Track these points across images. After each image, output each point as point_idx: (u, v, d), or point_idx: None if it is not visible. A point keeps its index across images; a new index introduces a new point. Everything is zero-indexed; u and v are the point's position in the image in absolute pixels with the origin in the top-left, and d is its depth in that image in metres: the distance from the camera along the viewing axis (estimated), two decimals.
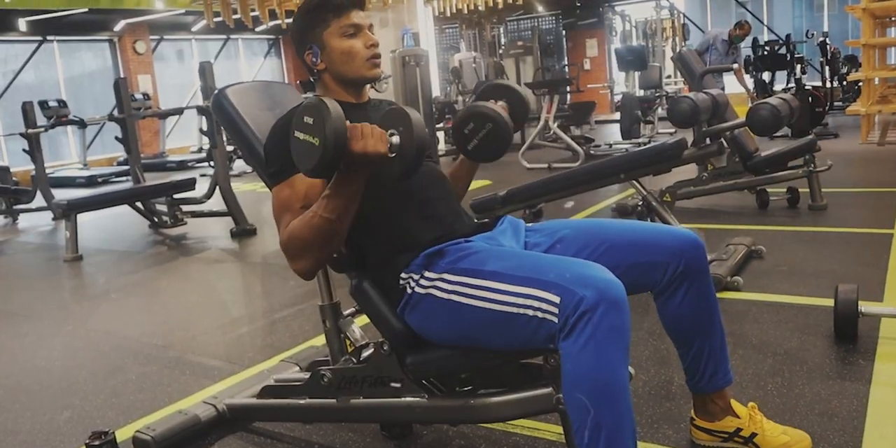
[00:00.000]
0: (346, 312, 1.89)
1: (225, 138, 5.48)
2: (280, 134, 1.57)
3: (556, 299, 1.25)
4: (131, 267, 4.58)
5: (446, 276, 1.44)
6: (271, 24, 10.19)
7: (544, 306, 1.27)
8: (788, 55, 12.46)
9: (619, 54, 9.63)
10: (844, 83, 11.17)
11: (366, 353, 1.83)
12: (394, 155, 1.38)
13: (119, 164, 11.21)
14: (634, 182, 3.23)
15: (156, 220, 5.65)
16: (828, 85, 11.37)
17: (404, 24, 8.61)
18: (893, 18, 9.08)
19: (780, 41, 13.04)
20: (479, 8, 11.76)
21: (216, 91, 1.75)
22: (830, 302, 2.66)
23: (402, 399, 1.64)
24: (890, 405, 1.88)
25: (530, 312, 1.29)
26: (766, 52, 12.52)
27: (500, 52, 11.99)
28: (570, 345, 1.23)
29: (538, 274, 1.31)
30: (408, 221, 1.57)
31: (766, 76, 11.00)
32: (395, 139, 1.38)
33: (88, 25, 12.02)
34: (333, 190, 1.41)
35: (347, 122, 1.31)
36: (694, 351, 1.61)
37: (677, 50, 14.26)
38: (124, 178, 9.96)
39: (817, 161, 4.31)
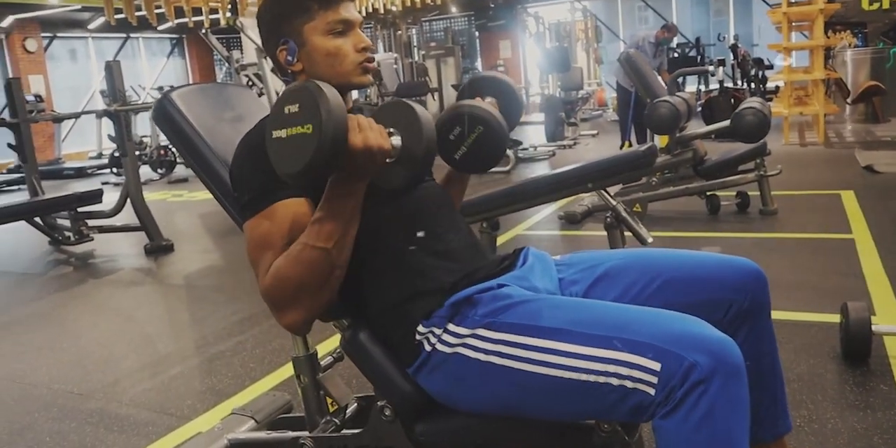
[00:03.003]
0: (323, 362, 1.57)
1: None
2: (251, 153, 1.23)
3: (656, 366, 0.98)
4: (33, 293, 4.05)
5: (482, 331, 1.14)
6: (177, 21, 9.57)
7: (636, 374, 0.99)
8: (699, 57, 12.82)
9: (545, 56, 9.54)
10: (757, 86, 11.46)
11: (350, 413, 1.52)
12: (393, 159, 1.13)
13: (10, 171, 10.29)
14: (602, 192, 3.01)
15: (57, 236, 5.07)
16: (738, 86, 11.70)
17: None
18: (803, 23, 9.34)
19: (691, 44, 13.44)
20: (395, 8, 11.49)
21: (161, 95, 1.39)
22: (823, 317, 2.54)
23: None
24: None
25: (614, 381, 1.01)
26: (677, 55, 12.83)
27: (422, 53, 11.74)
28: (676, 423, 0.96)
29: (622, 331, 1.03)
30: (417, 259, 1.25)
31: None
32: (396, 140, 1.13)
33: None
34: (326, 209, 1.13)
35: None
36: (754, 398, 1.37)
37: (590, 52, 14.50)
38: (16, 187, 9.15)
39: (767, 165, 4.23)
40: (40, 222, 5.00)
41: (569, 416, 1.11)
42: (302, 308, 1.17)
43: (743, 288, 1.28)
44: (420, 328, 1.20)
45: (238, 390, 2.33)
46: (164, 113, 1.39)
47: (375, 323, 1.27)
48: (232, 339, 2.83)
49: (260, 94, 6.64)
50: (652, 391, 0.98)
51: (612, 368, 1.01)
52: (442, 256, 1.27)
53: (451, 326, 1.17)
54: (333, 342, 2.55)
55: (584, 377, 1.04)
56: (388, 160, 1.13)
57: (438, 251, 1.27)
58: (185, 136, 1.38)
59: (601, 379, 1.02)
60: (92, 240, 4.99)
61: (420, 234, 1.28)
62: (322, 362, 1.56)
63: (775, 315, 2.36)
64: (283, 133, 1.07)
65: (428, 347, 1.19)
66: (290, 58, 1.29)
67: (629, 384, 1.00)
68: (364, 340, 1.28)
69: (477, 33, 16.69)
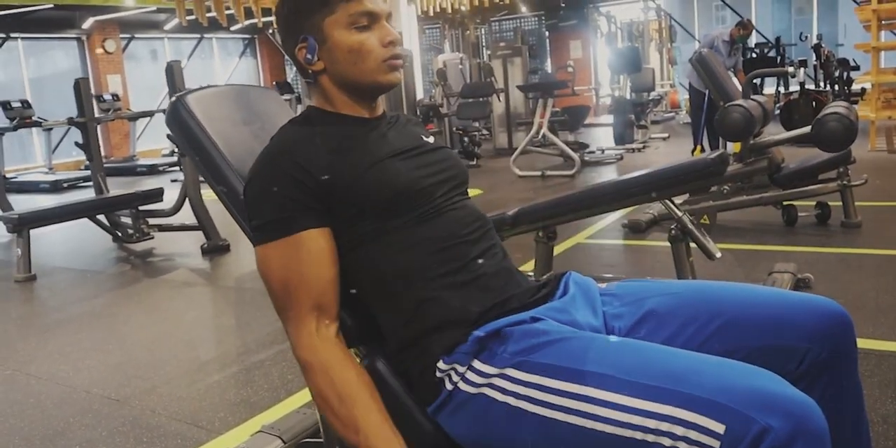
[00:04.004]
0: None
1: None
2: (267, 168, 1.13)
3: (719, 428, 0.82)
4: (90, 290, 4.08)
5: (512, 371, 0.99)
6: (247, 22, 9.70)
7: (693, 435, 0.84)
8: (779, 58, 12.25)
9: (615, 56, 9.27)
10: (841, 88, 10.85)
11: None
12: None
13: (86, 167, 10.62)
14: (667, 202, 2.82)
15: (119, 233, 5.15)
16: (820, 88, 11.11)
17: None
18: (894, 21, 8.79)
19: (770, 44, 12.87)
20: (464, 7, 11.37)
21: (173, 98, 1.29)
22: None
23: None
24: None
25: (666, 441, 0.85)
26: (755, 55, 12.30)
27: (488, 53, 11.60)
28: None
29: (679, 383, 0.87)
30: (440, 286, 1.10)
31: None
32: None
33: (55, 23, 11.44)
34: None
35: None
36: None
37: (664, 52, 14.08)
38: (91, 183, 9.41)
39: (851, 173, 3.93)
40: (104, 220, 5.08)
41: None
42: None
43: (822, 334, 1.07)
44: (441, 364, 1.06)
45: (272, 403, 2.24)
46: (177, 118, 1.28)
47: (394, 356, 1.14)
48: (273, 348, 2.75)
49: None
50: None
51: (664, 426, 0.86)
52: (469, 284, 1.12)
53: (476, 363, 1.03)
54: None
55: (629, 434, 0.88)
56: None
57: (465, 279, 1.12)
58: (199, 144, 1.27)
59: (650, 437, 0.86)
60: (152, 238, 5.05)
61: (446, 259, 1.14)
62: None
63: (858, 344, 2.09)
64: None
65: (449, 386, 1.05)
66: (309, 56, 1.17)
67: (684, 447, 0.84)
68: (381, 372, 1.15)
69: (547, 33, 16.41)
